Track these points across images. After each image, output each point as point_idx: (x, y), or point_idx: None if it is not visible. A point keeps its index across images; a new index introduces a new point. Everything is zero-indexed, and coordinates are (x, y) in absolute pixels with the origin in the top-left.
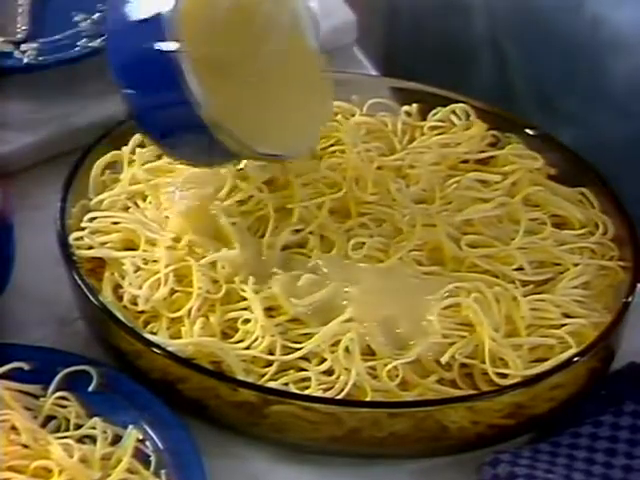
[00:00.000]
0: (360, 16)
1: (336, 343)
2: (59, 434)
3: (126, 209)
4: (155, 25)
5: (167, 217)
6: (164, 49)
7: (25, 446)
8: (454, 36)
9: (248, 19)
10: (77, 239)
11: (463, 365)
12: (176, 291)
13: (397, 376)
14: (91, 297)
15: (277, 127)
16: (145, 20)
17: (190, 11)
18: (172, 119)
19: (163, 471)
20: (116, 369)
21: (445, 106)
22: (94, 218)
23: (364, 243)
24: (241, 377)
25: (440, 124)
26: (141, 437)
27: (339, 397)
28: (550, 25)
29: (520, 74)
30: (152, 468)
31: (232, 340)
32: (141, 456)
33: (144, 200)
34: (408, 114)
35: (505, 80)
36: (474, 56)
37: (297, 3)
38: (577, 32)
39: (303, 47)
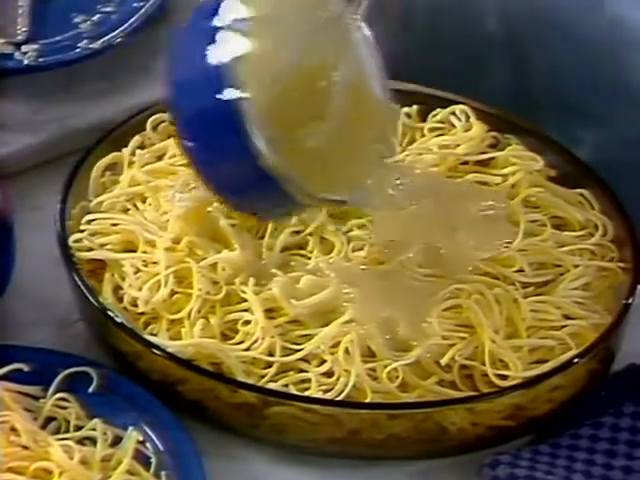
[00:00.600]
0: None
1: (336, 344)
2: (59, 435)
3: (125, 211)
4: (218, 74)
5: (167, 219)
6: (226, 97)
7: (25, 447)
8: (469, 36)
9: (311, 76)
10: (76, 241)
11: (463, 367)
12: (176, 292)
13: (397, 377)
14: (91, 298)
15: (342, 177)
16: (208, 70)
17: (253, 62)
18: (235, 170)
19: (163, 472)
20: (116, 370)
21: (445, 107)
22: (92, 220)
23: (364, 245)
24: (241, 378)
25: (440, 125)
26: (141, 438)
27: (339, 398)
28: (569, 25)
29: (538, 74)
30: (152, 469)
31: (232, 341)
32: (141, 457)
33: (143, 202)
34: (408, 116)
35: (522, 80)
36: (490, 57)
37: (361, 54)
38: (596, 31)
39: (367, 97)
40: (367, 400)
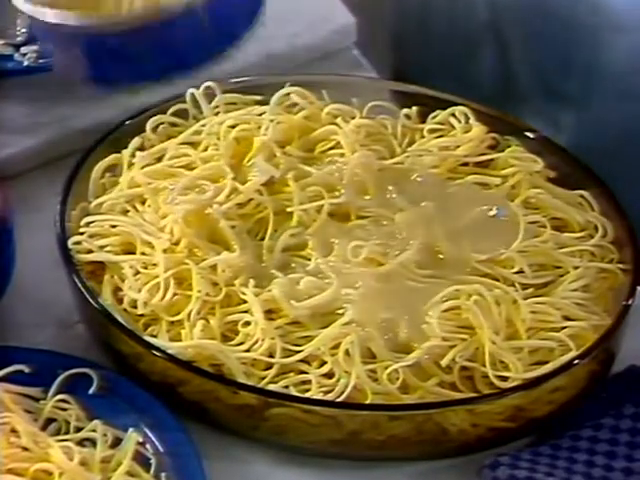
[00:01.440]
0: (363, 14)
1: (336, 346)
2: (59, 437)
3: (125, 212)
4: None
5: (166, 221)
6: None
7: (25, 449)
8: (459, 25)
9: None
10: (76, 243)
11: (463, 368)
12: (175, 294)
13: (397, 379)
14: (91, 300)
15: None
16: None
17: None
18: None
19: (163, 474)
20: (116, 372)
21: (445, 109)
22: (92, 222)
23: (364, 246)
24: (241, 380)
25: (440, 127)
26: (141, 440)
27: (339, 400)
28: (550, 8)
29: (521, 59)
30: (152, 471)
31: (232, 343)
32: (141, 459)
33: (143, 203)
34: (408, 117)
35: (507, 66)
36: (478, 44)
37: None
38: (576, 14)
39: None
40: (367, 401)
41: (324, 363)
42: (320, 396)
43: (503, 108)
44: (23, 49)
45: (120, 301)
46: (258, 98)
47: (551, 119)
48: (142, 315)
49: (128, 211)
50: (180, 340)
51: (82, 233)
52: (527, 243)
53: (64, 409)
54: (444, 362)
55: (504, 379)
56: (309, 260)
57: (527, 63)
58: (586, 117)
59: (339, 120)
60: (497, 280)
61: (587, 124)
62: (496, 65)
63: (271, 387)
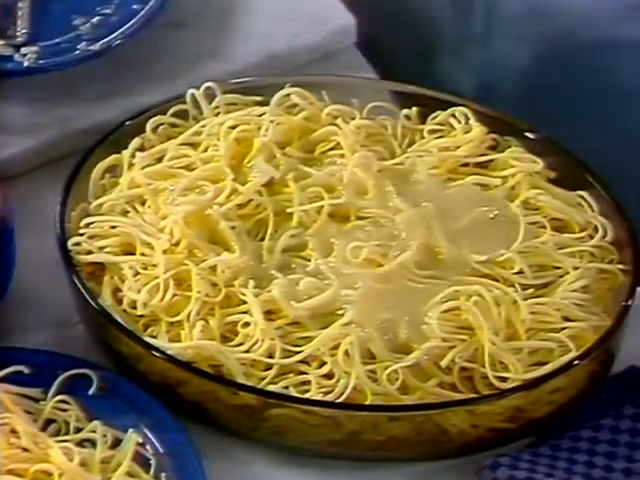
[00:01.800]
0: (363, 14)
1: (336, 346)
2: (59, 437)
3: (125, 213)
4: None
5: (166, 221)
6: None
7: (25, 449)
8: None
9: None
10: (76, 244)
11: (463, 369)
12: (175, 295)
13: (397, 380)
14: (91, 301)
15: None
16: None
17: None
18: None
19: (163, 474)
20: (116, 372)
21: (445, 109)
22: (91, 222)
23: (364, 246)
24: (241, 380)
25: (440, 127)
26: (141, 440)
27: (339, 400)
28: None
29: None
30: (152, 471)
31: (232, 343)
32: (141, 459)
33: (143, 204)
34: (408, 117)
35: (432, 15)
36: None
37: None
38: None
39: None
40: (367, 402)
41: (324, 364)
42: (320, 397)
43: (427, 50)
44: (23, 50)
45: (120, 302)
46: (258, 99)
47: (459, 58)
48: (142, 316)
49: (128, 212)
50: (180, 341)
51: (82, 234)
52: (527, 244)
53: (64, 410)
54: (444, 363)
55: (504, 380)
56: (309, 261)
57: (446, 7)
58: (487, 57)
59: (339, 121)
60: (497, 281)
61: (488, 64)
62: (425, 14)
63: (271, 388)
